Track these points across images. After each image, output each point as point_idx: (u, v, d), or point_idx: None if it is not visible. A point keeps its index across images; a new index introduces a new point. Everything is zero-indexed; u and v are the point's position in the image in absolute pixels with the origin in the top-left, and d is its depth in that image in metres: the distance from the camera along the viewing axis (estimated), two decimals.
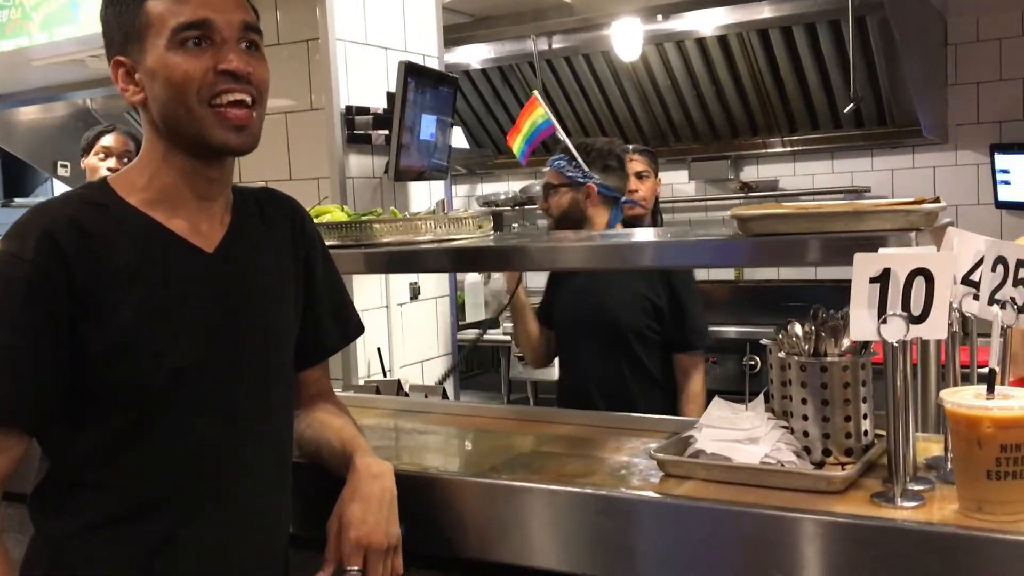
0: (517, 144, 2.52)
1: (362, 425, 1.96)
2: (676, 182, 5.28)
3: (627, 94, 4.95)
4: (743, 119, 4.92)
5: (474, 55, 5.01)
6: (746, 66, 4.61)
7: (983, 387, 1.20)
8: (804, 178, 5.15)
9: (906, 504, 1.24)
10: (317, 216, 1.91)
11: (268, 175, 2.78)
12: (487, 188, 5.86)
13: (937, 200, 1.38)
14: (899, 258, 1.24)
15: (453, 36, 4.35)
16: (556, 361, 2.84)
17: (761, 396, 1.50)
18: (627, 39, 4.34)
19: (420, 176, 2.77)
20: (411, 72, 2.50)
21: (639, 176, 3.30)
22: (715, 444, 1.41)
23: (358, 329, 1.54)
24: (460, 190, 5.95)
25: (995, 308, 1.33)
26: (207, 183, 1.30)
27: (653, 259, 1.61)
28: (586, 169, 2.61)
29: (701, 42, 4.55)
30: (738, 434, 1.41)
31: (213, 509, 1.27)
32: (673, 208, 5.28)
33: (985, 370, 1.21)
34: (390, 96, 2.73)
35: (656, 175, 3.32)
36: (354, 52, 2.72)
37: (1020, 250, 1.35)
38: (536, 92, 2.72)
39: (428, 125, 2.66)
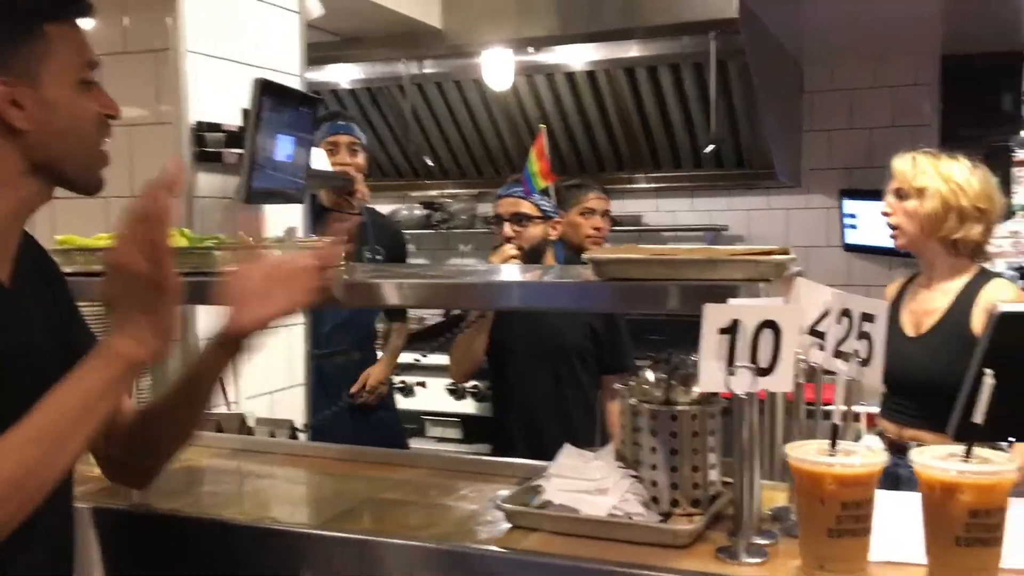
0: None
1: (198, 467, 1.84)
2: None
3: (498, 123, 4.94)
4: (609, 154, 4.99)
5: (343, 75, 4.90)
6: (613, 102, 4.67)
7: (827, 442, 1.20)
8: (666, 214, 5.27)
9: (749, 560, 1.22)
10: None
11: (108, 191, 2.59)
12: None
13: (786, 251, 1.39)
14: (748, 310, 1.23)
15: (321, 54, 4.24)
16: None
17: (611, 444, 1.47)
18: (498, 69, 4.33)
19: (273, 199, 2.64)
20: (267, 90, 2.38)
21: (604, 215, 3.34)
22: (563, 495, 1.37)
23: None
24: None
25: (838, 362, 1.33)
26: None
27: (509, 300, 1.56)
28: (556, 204, 2.73)
29: (571, 76, 4.59)
30: (586, 484, 1.37)
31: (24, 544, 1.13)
32: None
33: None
34: (245, 113, 2.60)
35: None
36: (208, 66, 2.58)
37: (864, 303, 1.37)
38: (543, 125, 2.87)
39: (285, 146, 2.54)
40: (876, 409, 2.50)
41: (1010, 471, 1.11)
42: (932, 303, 2.37)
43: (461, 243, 5.63)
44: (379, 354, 3.45)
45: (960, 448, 1.16)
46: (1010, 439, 2.18)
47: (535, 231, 2.70)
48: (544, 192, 2.71)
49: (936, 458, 1.14)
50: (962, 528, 1.10)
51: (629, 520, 1.33)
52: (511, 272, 1.82)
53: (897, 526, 1.24)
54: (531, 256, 2.67)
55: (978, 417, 1.15)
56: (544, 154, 2.71)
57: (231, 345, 1.27)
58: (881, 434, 2.33)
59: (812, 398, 1.49)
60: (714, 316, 1.22)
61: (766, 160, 4.59)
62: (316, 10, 3.06)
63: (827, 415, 1.24)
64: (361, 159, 3.33)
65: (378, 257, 3.33)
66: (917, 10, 3.84)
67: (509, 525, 1.38)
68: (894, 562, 1.20)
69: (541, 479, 1.42)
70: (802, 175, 4.93)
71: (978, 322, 2.25)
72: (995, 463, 1.12)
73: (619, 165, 5.05)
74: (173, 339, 1.12)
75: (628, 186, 5.24)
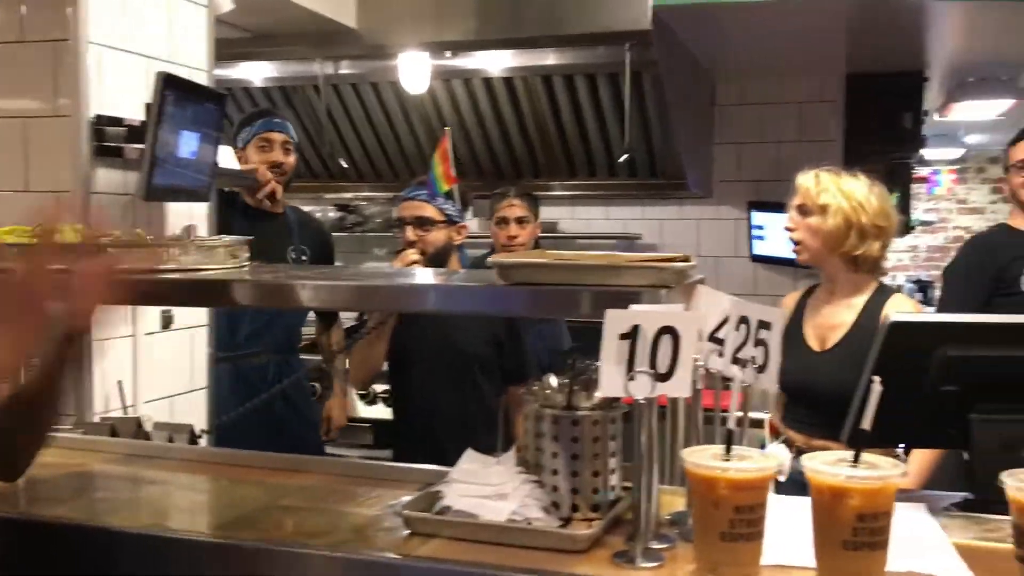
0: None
1: (89, 472, 1.77)
2: None
3: (414, 126, 4.92)
4: (526, 161, 5.01)
5: (256, 72, 4.80)
6: (530, 109, 4.70)
7: (723, 447, 1.21)
8: (582, 222, 5.31)
9: (645, 565, 1.23)
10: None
11: (1, 184, 2.49)
12: None
13: (687, 259, 1.40)
14: (647, 316, 1.24)
15: (233, 51, 4.14)
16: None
17: (513, 449, 1.46)
18: (414, 72, 4.31)
19: (176, 196, 2.57)
20: (170, 85, 2.31)
21: (519, 221, 3.32)
22: (463, 500, 1.35)
23: None
24: None
25: (735, 368, 1.35)
26: None
27: (413, 303, 1.54)
28: (461, 208, 2.69)
29: (488, 82, 4.59)
30: (487, 489, 1.36)
31: None
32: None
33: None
34: (148, 108, 2.52)
35: (537, 219, 3.38)
36: (110, 58, 2.49)
37: (760, 311, 1.39)
38: (448, 128, 2.84)
39: (189, 142, 2.47)
40: (766, 415, 2.55)
41: (896, 475, 1.14)
42: (837, 318, 2.43)
43: (376, 246, 5.58)
44: (341, 360, 3.39)
45: (850, 454, 1.18)
46: (900, 445, 2.27)
47: (438, 236, 2.67)
48: (448, 196, 2.68)
49: (825, 463, 1.16)
50: (849, 532, 1.13)
51: (528, 525, 1.32)
52: (414, 275, 1.80)
53: (789, 530, 1.26)
54: (434, 261, 2.63)
55: (866, 424, 1.18)
56: (447, 157, 2.68)
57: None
58: (788, 443, 2.38)
59: (715, 404, 1.52)
60: (614, 322, 1.23)
61: (678, 171, 4.67)
62: (226, 4, 2.99)
63: (724, 420, 1.26)
64: (293, 159, 3.27)
65: (303, 257, 3.26)
66: (823, 29, 3.96)
67: (408, 532, 1.36)
68: (785, 566, 1.22)
69: (441, 485, 1.41)
70: (713, 186, 5.03)
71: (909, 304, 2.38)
72: (882, 468, 1.15)
73: (535, 172, 5.07)
74: (28, 356, 1.06)
75: (544, 193, 5.24)
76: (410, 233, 2.66)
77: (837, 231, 2.37)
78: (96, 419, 2.42)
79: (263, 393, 3.07)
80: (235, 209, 3.17)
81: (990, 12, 3.60)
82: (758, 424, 2.44)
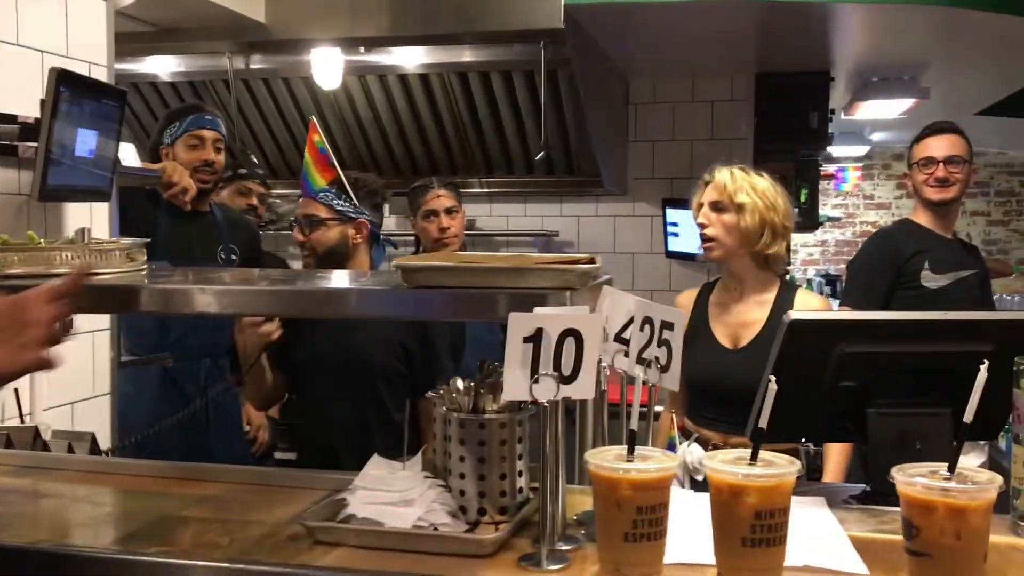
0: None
1: None
2: None
3: (328, 122, 4.85)
4: (443, 157, 4.99)
5: (162, 67, 4.67)
6: (447, 106, 4.68)
7: (626, 448, 1.22)
8: (499, 219, 5.31)
9: (550, 567, 1.23)
10: None
11: None
12: None
13: (593, 260, 1.41)
14: (551, 318, 1.24)
15: (137, 45, 4.02)
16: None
17: (419, 454, 1.45)
18: (327, 67, 4.24)
19: (73, 196, 2.47)
20: (65, 81, 2.22)
21: (449, 212, 3.21)
22: (367, 507, 1.34)
23: None
24: None
25: (639, 368, 1.37)
26: None
27: (316, 308, 1.51)
28: (357, 204, 2.47)
29: (403, 78, 4.55)
30: (392, 496, 1.35)
31: None
32: None
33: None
34: (43, 104, 2.42)
35: (462, 208, 3.28)
36: (2, 53, 2.39)
37: (664, 312, 1.41)
38: (314, 117, 2.59)
39: (86, 140, 2.38)
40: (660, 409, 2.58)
41: (791, 472, 1.17)
42: (747, 316, 2.46)
43: (291, 245, 5.48)
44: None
45: (748, 452, 1.20)
46: (803, 440, 2.33)
47: (328, 234, 2.46)
48: (333, 190, 2.46)
49: (724, 462, 1.18)
50: (748, 529, 1.15)
51: (434, 531, 1.31)
52: (316, 279, 1.76)
53: (691, 528, 1.28)
54: (327, 261, 2.47)
55: (763, 421, 1.20)
56: (315, 146, 2.43)
57: None
58: (703, 441, 2.40)
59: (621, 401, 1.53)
60: (518, 325, 1.22)
61: (594, 168, 4.71)
62: None
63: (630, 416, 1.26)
64: (223, 158, 3.15)
65: (233, 257, 3.14)
66: (733, 31, 4.03)
67: (311, 541, 1.33)
68: (687, 564, 1.23)
69: (346, 492, 1.38)
70: (628, 183, 5.09)
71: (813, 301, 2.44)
72: (778, 466, 1.17)
73: (452, 169, 5.05)
74: None
75: (462, 190, 5.24)
76: (297, 233, 2.50)
77: (754, 229, 2.40)
78: None
79: (194, 396, 2.98)
80: (160, 208, 3.05)
81: (891, 15, 3.72)
82: (670, 421, 2.47)
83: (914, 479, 1.13)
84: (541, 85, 4.25)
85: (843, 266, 8.01)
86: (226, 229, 3.19)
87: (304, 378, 2.56)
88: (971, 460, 2.77)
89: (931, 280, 2.94)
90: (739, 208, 2.41)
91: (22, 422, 2.44)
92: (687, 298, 2.60)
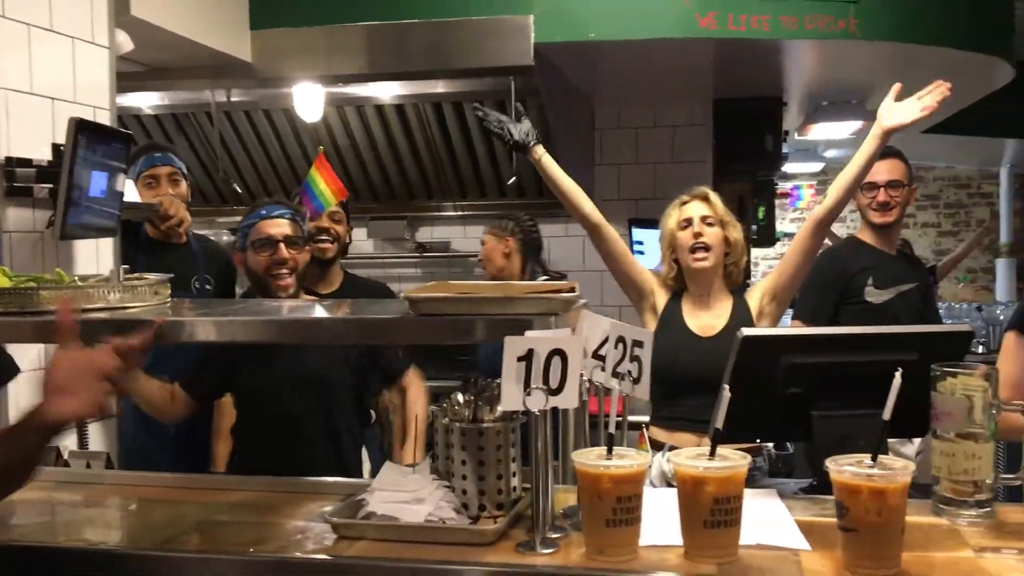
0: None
1: (15, 499, 1.87)
2: (356, 239, 5.43)
3: (308, 152, 5.05)
4: (419, 183, 5.21)
5: (146, 100, 4.84)
6: (422, 134, 4.90)
7: (605, 448, 1.45)
8: (473, 240, 5.52)
9: (543, 551, 1.46)
10: None
11: None
12: None
13: (573, 288, 1.64)
14: (540, 341, 1.46)
15: (125, 84, 4.20)
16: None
17: (428, 459, 1.66)
18: (308, 101, 4.45)
19: (87, 234, 2.66)
20: (82, 129, 2.42)
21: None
22: (385, 506, 1.55)
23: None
24: None
25: (615, 381, 1.60)
26: None
27: (335, 336, 1.72)
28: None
29: (380, 109, 4.77)
30: (405, 495, 1.56)
31: None
32: (351, 264, 5.42)
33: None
34: (55, 147, 2.61)
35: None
36: (17, 101, 2.57)
37: (635, 332, 1.64)
38: (322, 148, 2.95)
39: (99, 182, 2.57)
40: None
41: (743, 465, 1.40)
42: (714, 316, 2.73)
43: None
44: None
45: (708, 449, 1.44)
46: (759, 440, 2.56)
47: (306, 255, 2.72)
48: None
49: (688, 457, 1.41)
50: (708, 513, 1.38)
51: (443, 524, 1.53)
52: (317, 308, 1.97)
53: (661, 516, 1.51)
54: (303, 278, 2.71)
55: (719, 423, 1.43)
56: (333, 173, 2.88)
57: (42, 431, 1.36)
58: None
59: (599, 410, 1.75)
60: (512, 347, 1.45)
61: None
62: (127, 44, 3.09)
63: (606, 425, 1.49)
64: (184, 188, 3.26)
65: (207, 286, 3.25)
66: (691, 63, 4.31)
67: (336, 536, 1.54)
68: (659, 545, 1.46)
69: (365, 494, 1.60)
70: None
71: (755, 300, 2.74)
72: (732, 460, 1.41)
73: (428, 194, 5.28)
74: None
75: (437, 214, 5.49)
76: (285, 252, 2.63)
77: (738, 242, 2.74)
78: None
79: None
80: (138, 241, 3.22)
81: (838, 48, 4.02)
82: (635, 427, 2.68)
83: (843, 467, 1.37)
84: (512, 114, 4.47)
85: None
86: (202, 259, 3.29)
87: (266, 399, 2.65)
88: (908, 449, 3.01)
89: (874, 295, 3.20)
90: (724, 224, 2.73)
91: None
92: (658, 286, 2.84)
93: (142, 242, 3.23)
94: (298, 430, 2.62)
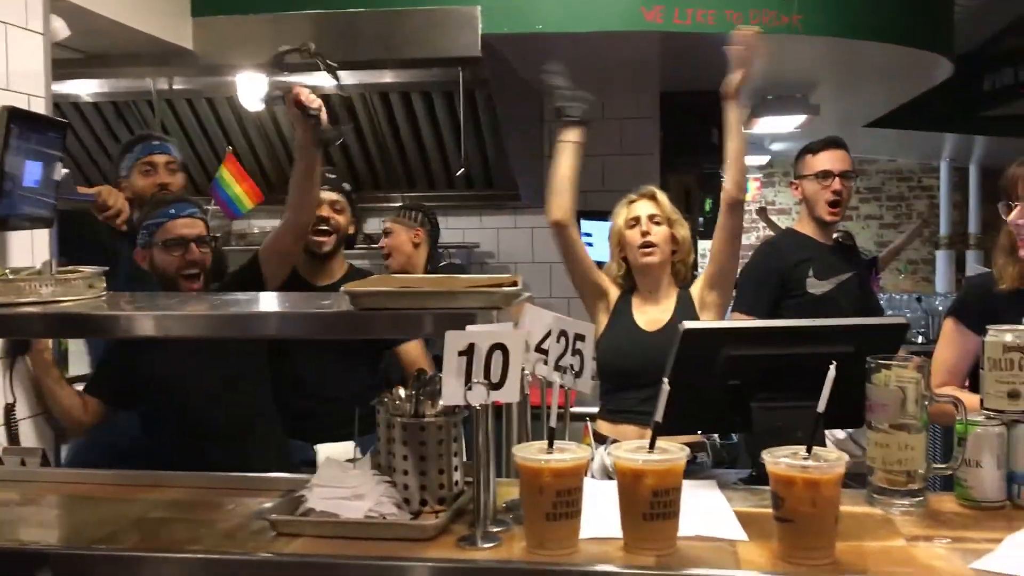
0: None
1: None
2: None
3: (252, 141, 4.98)
4: (367, 174, 5.17)
5: (84, 88, 4.73)
6: (369, 124, 4.86)
7: (546, 442, 1.45)
8: None
9: (485, 545, 1.45)
10: None
11: None
12: None
13: (516, 282, 1.63)
14: (481, 335, 1.46)
15: (62, 71, 4.09)
16: None
17: (368, 454, 1.65)
18: (252, 89, 4.38)
19: (21, 225, 2.59)
20: (15, 118, 2.35)
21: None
22: (324, 502, 1.54)
23: None
24: None
25: (557, 374, 1.60)
26: None
27: (272, 329, 1.70)
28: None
29: (326, 98, 4.70)
30: (345, 491, 1.55)
31: None
32: None
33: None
34: None
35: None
36: None
37: (577, 326, 1.64)
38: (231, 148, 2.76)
39: (33, 171, 2.50)
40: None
41: (681, 458, 1.41)
42: (660, 310, 2.77)
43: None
44: None
45: (647, 441, 1.45)
46: (700, 431, 2.59)
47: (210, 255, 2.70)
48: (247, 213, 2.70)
49: (627, 451, 1.42)
50: (647, 505, 1.39)
51: (383, 520, 1.52)
52: (259, 301, 1.94)
53: (601, 508, 1.52)
54: (204, 279, 2.67)
55: (658, 417, 1.45)
56: (245, 174, 2.70)
57: None
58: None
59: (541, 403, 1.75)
60: (453, 341, 1.44)
61: (511, 182, 4.95)
62: (62, 31, 3.00)
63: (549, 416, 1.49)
64: (180, 178, 3.22)
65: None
66: (638, 56, 4.33)
67: (275, 533, 1.52)
68: (599, 538, 1.47)
69: (304, 490, 1.58)
70: (544, 197, 5.34)
71: (696, 292, 2.79)
72: (671, 452, 1.42)
73: (375, 184, 5.24)
74: None
75: (385, 205, 5.43)
76: (197, 252, 2.63)
77: (684, 240, 2.82)
78: None
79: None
80: (124, 236, 3.14)
81: (781, 43, 4.06)
82: (577, 418, 2.69)
83: (779, 459, 1.39)
84: (460, 105, 4.46)
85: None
86: None
87: (168, 390, 2.62)
88: (838, 435, 3.05)
89: (815, 287, 3.24)
90: (671, 223, 2.79)
91: None
92: (610, 283, 2.87)
93: (126, 239, 3.12)
94: (206, 423, 2.58)
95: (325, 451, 2.83)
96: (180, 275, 2.62)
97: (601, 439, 2.73)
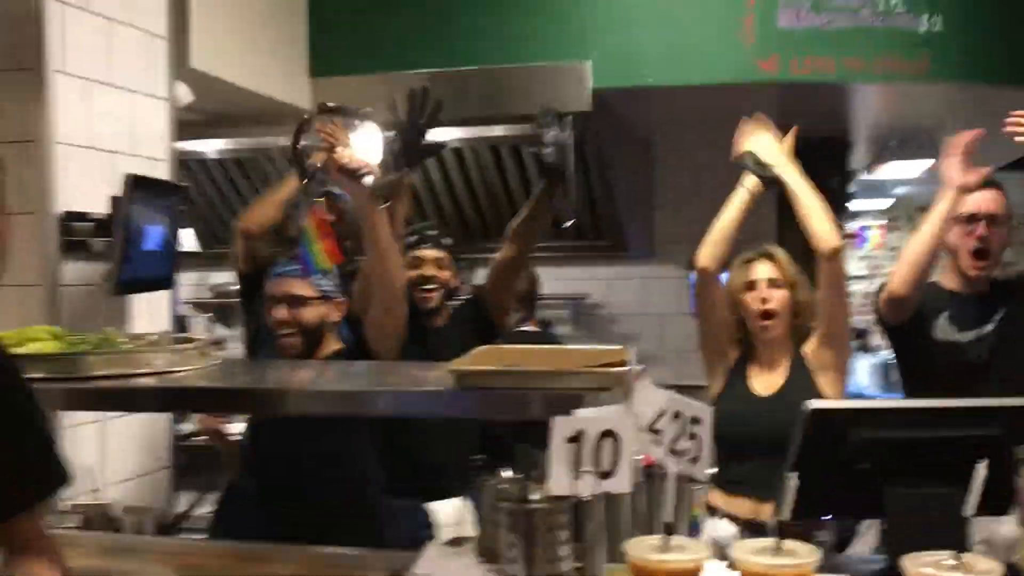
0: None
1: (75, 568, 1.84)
2: None
3: None
4: (477, 225, 5.18)
5: (210, 146, 4.90)
6: (479, 177, 4.88)
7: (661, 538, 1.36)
8: None
9: None
10: (19, 344, 1.77)
11: None
12: (219, 277, 5.69)
13: (624, 361, 1.55)
14: (591, 421, 1.38)
15: (186, 131, 4.26)
16: None
17: (473, 540, 1.59)
18: (368, 146, 4.44)
19: (142, 288, 2.67)
20: (138, 186, 2.43)
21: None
22: None
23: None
24: (190, 277, 5.73)
25: (672, 460, 1.51)
26: None
27: (384, 407, 1.67)
28: (338, 283, 2.55)
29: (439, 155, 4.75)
30: None
31: None
32: None
33: None
34: (114, 200, 2.63)
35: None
36: (76, 156, 2.60)
37: (693, 407, 1.55)
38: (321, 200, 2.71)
39: (154, 236, 2.58)
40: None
41: (811, 563, 1.30)
42: (775, 375, 2.60)
43: None
44: None
45: (773, 541, 1.34)
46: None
47: (312, 313, 2.49)
48: (325, 272, 2.51)
49: (752, 551, 1.31)
50: None
51: None
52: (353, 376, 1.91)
53: None
54: (309, 340, 2.50)
55: (785, 514, 1.34)
56: (330, 232, 2.48)
57: None
58: (735, 518, 2.47)
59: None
60: (562, 427, 1.37)
61: (620, 233, 4.88)
62: (185, 97, 3.12)
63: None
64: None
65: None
66: (753, 106, 4.20)
67: None
68: None
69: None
70: (655, 246, 5.25)
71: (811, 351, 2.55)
72: (800, 556, 1.31)
73: (485, 236, 5.24)
74: None
75: (494, 256, 5.43)
76: (283, 312, 2.49)
77: (807, 304, 2.54)
78: (67, 504, 2.47)
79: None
80: None
81: (905, 91, 3.89)
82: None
83: (921, 570, 1.26)
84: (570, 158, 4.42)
85: (870, 318, 8.05)
86: None
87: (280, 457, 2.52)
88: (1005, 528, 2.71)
89: (947, 333, 2.83)
90: (792, 286, 2.55)
91: (94, 499, 2.61)
92: (731, 351, 2.68)
93: None
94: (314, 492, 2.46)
95: (438, 510, 2.79)
96: (277, 333, 2.54)
97: (713, 511, 2.59)
